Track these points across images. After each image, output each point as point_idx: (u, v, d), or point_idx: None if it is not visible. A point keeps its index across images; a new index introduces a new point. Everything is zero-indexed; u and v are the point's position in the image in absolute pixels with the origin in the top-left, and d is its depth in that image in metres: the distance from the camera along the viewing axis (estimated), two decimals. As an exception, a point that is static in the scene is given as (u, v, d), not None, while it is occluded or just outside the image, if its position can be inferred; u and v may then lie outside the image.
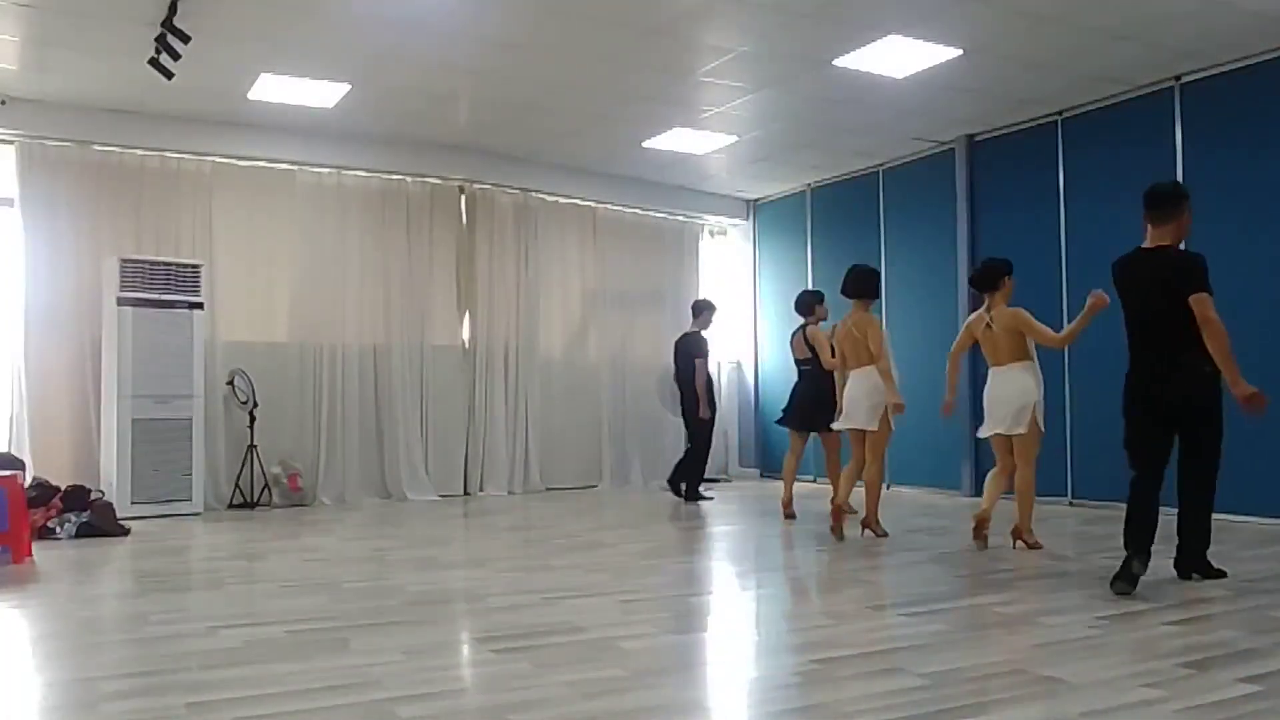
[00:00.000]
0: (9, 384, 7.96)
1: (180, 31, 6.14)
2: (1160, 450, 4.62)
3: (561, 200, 10.64)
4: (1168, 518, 4.62)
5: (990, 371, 5.98)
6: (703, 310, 9.35)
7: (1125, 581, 4.43)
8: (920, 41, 6.85)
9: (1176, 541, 4.79)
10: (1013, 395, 5.77)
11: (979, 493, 8.93)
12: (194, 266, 8.16)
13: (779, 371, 11.46)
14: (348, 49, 7.01)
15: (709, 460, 9.56)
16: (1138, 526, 4.50)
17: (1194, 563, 4.79)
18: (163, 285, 7.95)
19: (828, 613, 4.34)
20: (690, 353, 9.05)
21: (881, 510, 6.69)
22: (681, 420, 9.36)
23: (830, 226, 10.83)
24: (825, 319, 7.69)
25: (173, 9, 6.01)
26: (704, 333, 9.22)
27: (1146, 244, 4.67)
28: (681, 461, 9.37)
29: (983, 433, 6.00)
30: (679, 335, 9.40)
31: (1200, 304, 4.40)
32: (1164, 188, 4.72)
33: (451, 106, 8.47)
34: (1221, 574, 4.79)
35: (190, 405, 8.01)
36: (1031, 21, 6.52)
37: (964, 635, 3.76)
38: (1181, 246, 4.75)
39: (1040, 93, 7.95)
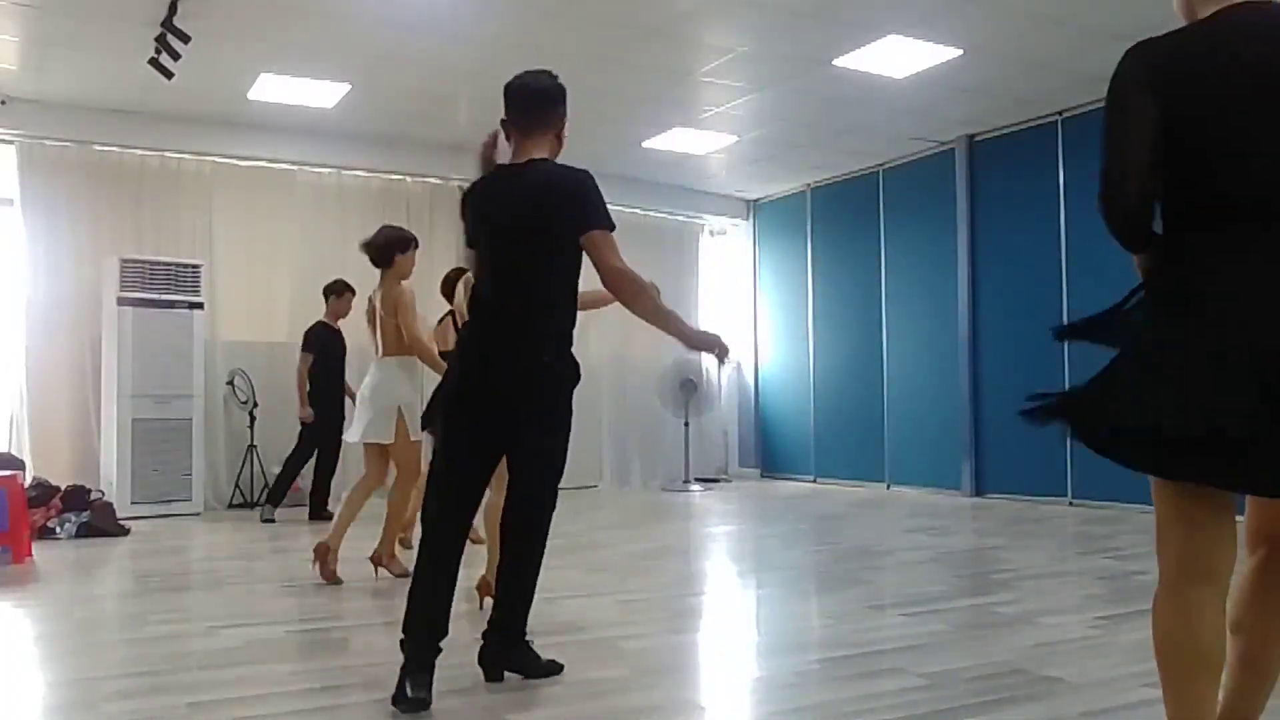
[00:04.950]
0: (9, 384, 7.96)
1: (180, 31, 6.14)
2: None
3: (561, 200, 10.62)
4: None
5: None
6: (330, 294, 7.94)
7: None
8: (920, 41, 6.85)
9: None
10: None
11: (979, 492, 8.98)
12: (194, 266, 8.17)
13: (779, 371, 11.48)
14: (348, 49, 7.01)
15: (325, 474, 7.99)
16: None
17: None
18: (163, 285, 7.95)
19: (828, 613, 4.34)
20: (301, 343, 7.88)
21: (882, 510, 6.68)
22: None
23: (830, 226, 10.83)
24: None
25: (173, 9, 6.02)
26: (335, 323, 7.96)
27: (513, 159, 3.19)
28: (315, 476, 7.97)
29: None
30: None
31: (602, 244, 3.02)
32: (533, 79, 3.19)
33: (451, 106, 8.47)
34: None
35: (190, 405, 8.01)
36: (1031, 21, 6.52)
37: (964, 635, 3.76)
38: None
39: (1040, 93, 7.95)
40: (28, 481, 6.85)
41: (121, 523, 6.95)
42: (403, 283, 5.09)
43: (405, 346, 5.00)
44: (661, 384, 10.41)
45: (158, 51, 6.37)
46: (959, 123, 8.84)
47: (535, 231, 3.06)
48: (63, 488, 7.01)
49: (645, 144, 9.44)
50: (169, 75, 6.55)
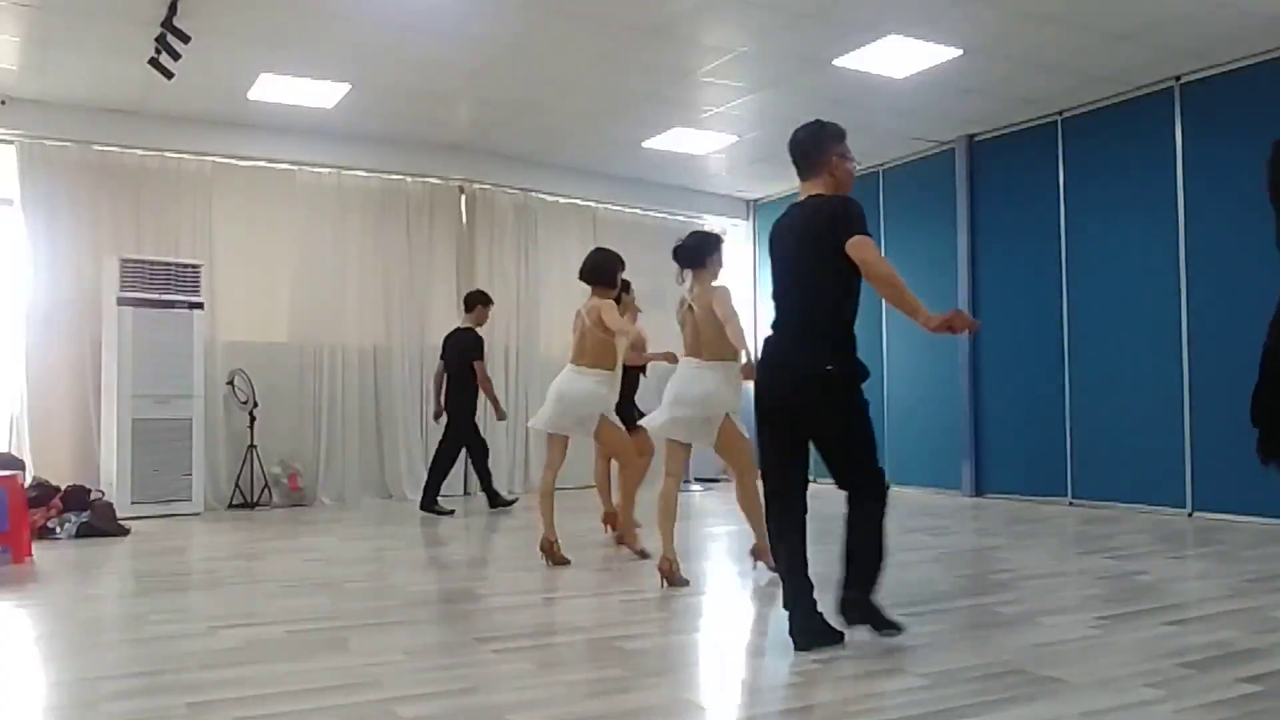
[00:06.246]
0: (9, 384, 7.96)
1: (180, 31, 6.14)
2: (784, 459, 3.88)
3: (561, 200, 10.64)
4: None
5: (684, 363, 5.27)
6: (475, 304, 8.30)
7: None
8: (920, 41, 6.85)
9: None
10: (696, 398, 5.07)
11: (979, 492, 8.98)
12: (194, 266, 8.17)
13: (779, 371, 11.46)
14: (348, 49, 7.00)
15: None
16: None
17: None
18: (163, 285, 7.95)
19: (828, 613, 4.33)
20: (469, 355, 8.06)
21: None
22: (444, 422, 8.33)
23: (830, 226, 10.81)
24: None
25: (173, 9, 6.02)
26: (479, 330, 8.23)
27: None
28: (433, 470, 8.30)
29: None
30: (451, 331, 8.40)
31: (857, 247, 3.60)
32: (796, 132, 3.81)
33: (451, 106, 8.47)
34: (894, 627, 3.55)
35: (190, 405, 8.01)
36: (1031, 21, 6.52)
37: (964, 635, 3.76)
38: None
39: (1040, 93, 7.95)
40: (28, 481, 6.86)
41: (121, 523, 6.95)
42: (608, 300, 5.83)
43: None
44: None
45: (158, 51, 6.37)
46: (959, 123, 8.84)
47: (804, 256, 3.72)
48: (63, 488, 7.01)
49: (645, 144, 9.45)
50: (169, 75, 6.55)
